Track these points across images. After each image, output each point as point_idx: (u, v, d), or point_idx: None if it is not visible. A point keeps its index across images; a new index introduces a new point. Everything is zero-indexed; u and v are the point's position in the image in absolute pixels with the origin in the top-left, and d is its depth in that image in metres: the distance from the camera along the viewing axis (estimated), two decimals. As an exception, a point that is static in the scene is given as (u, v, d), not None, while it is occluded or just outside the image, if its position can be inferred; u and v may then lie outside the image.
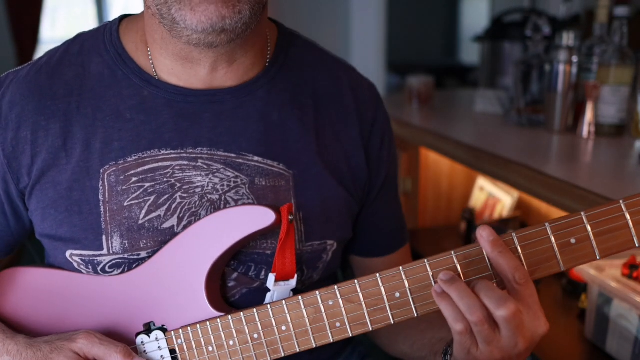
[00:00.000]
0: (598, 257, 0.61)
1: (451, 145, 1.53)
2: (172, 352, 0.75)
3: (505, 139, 1.58)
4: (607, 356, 1.14)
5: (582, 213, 0.61)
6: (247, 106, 0.78)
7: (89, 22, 4.68)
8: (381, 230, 0.92)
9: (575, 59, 1.50)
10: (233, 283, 0.79)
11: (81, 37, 0.82)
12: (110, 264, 0.76)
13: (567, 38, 1.50)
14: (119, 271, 0.77)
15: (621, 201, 0.60)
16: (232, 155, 0.77)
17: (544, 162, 1.29)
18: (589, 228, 0.61)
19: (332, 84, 0.84)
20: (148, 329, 0.75)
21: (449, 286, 0.61)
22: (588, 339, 1.20)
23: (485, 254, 0.63)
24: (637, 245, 0.60)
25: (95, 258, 0.76)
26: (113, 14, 4.60)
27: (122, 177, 0.75)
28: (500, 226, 1.52)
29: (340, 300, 0.68)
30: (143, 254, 0.76)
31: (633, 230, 0.60)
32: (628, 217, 0.60)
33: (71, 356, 0.70)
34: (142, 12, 0.80)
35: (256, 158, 0.77)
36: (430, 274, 0.65)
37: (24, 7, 3.66)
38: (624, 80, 1.41)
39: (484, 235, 0.62)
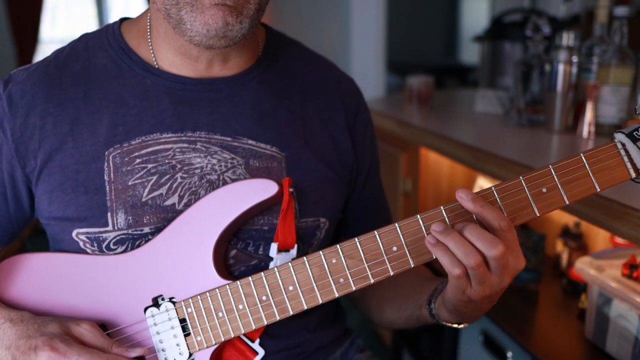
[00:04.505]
0: (567, 202, 0.70)
1: (451, 145, 1.53)
2: (182, 321, 0.78)
3: (505, 139, 1.58)
4: (607, 356, 1.14)
5: (550, 166, 0.70)
6: (241, 95, 0.85)
7: (89, 22, 4.68)
8: (371, 213, 0.98)
9: (575, 59, 1.50)
10: (232, 260, 0.83)
11: (85, 36, 0.88)
12: (115, 240, 0.80)
13: (567, 38, 1.50)
14: (123, 248, 0.80)
15: (582, 154, 0.70)
16: (228, 138, 0.83)
17: (544, 162, 1.29)
18: (556, 178, 0.70)
19: (317, 78, 0.92)
20: (156, 303, 0.79)
21: (445, 236, 0.67)
22: (588, 339, 1.20)
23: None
24: (598, 190, 0.70)
25: (101, 235, 0.80)
26: (113, 14, 4.60)
27: (126, 159, 0.80)
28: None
29: (343, 258, 0.73)
30: (146, 230, 0.80)
31: (593, 178, 0.70)
32: (588, 167, 0.70)
33: (63, 327, 0.73)
34: (141, 15, 0.87)
35: (250, 141, 0.83)
36: (423, 227, 0.71)
37: (24, 7, 3.66)
38: (624, 80, 1.41)
39: (463, 196, 0.68)
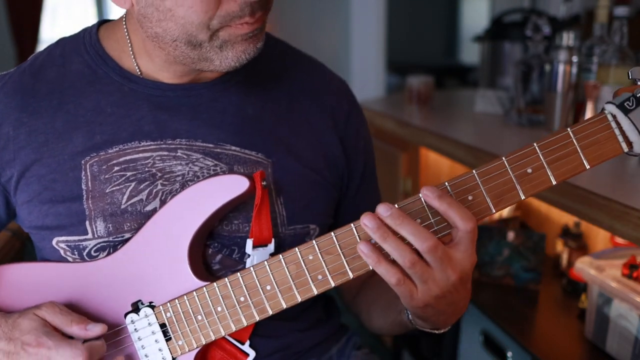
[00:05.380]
0: (554, 182, 0.65)
1: (451, 145, 1.53)
2: (163, 326, 0.77)
3: (505, 139, 1.58)
4: (607, 356, 1.14)
5: (535, 144, 0.65)
6: (223, 100, 0.82)
7: (89, 22, 4.67)
8: None
9: (575, 59, 1.50)
10: (218, 266, 0.82)
11: (62, 41, 0.86)
12: (96, 247, 0.79)
13: (567, 38, 1.50)
14: (104, 254, 0.79)
15: (569, 129, 0.65)
16: (210, 145, 0.80)
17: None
18: (542, 157, 0.65)
19: (306, 79, 0.89)
20: (136, 308, 0.77)
21: (383, 240, 0.63)
22: (588, 339, 1.20)
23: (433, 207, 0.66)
24: (587, 167, 0.65)
25: (81, 243, 0.79)
26: (113, 14, 4.60)
27: (104, 167, 0.78)
28: (501, 226, 1.53)
29: (320, 254, 0.69)
30: (127, 236, 0.79)
31: (582, 155, 0.64)
32: (576, 143, 0.64)
33: (34, 319, 0.73)
34: (117, 24, 0.84)
35: (234, 148, 0.81)
36: None
37: (24, 7, 3.66)
38: (623, 80, 1.41)
39: (429, 193, 0.64)
